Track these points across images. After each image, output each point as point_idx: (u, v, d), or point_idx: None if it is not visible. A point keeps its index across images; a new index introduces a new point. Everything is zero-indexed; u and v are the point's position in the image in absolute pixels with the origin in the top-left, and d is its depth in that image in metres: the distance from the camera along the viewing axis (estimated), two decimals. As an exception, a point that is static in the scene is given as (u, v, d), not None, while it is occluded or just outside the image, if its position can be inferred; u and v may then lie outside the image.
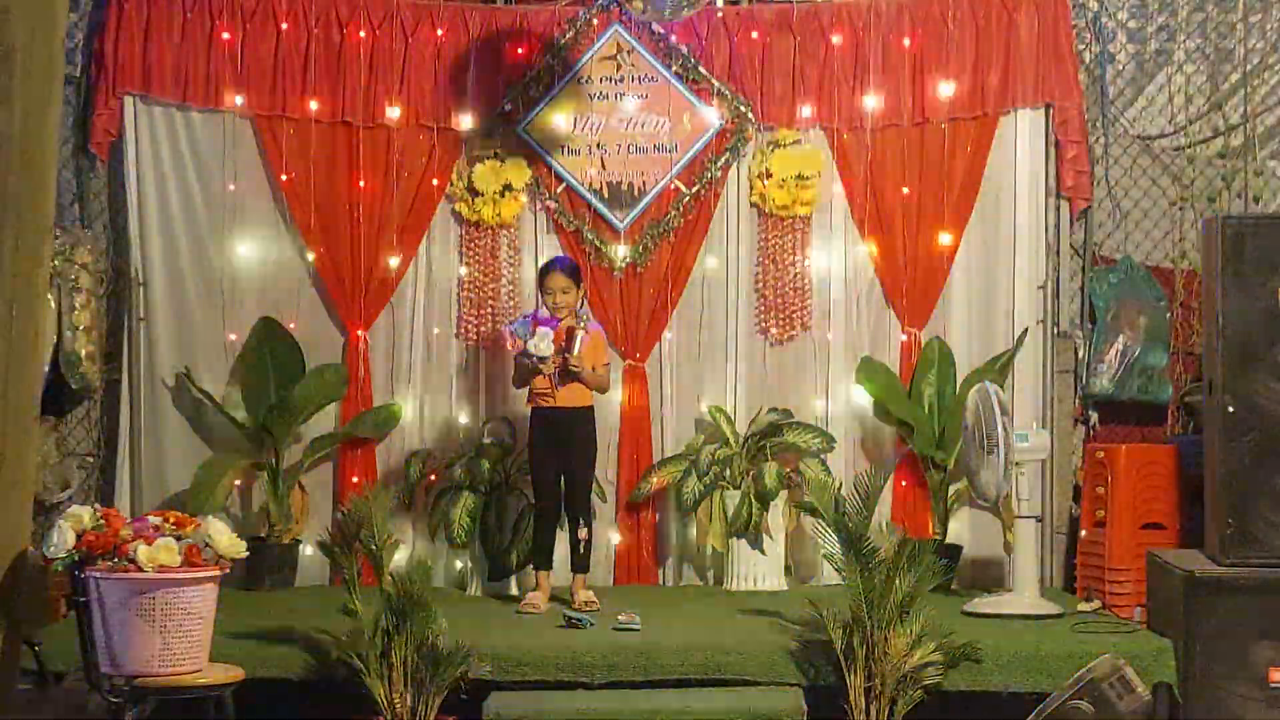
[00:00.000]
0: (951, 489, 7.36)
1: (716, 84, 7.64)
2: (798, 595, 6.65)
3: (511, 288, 7.68)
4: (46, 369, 6.80)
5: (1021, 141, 7.56)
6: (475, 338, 7.66)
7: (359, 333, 7.59)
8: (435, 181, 7.64)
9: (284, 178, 7.56)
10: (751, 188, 7.67)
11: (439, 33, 7.63)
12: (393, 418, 7.58)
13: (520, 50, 7.64)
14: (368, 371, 7.60)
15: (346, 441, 7.56)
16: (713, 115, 7.65)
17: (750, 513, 7.16)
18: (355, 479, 7.37)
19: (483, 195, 7.59)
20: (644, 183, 7.66)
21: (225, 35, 7.48)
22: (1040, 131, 7.53)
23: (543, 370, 6.62)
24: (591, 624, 6.17)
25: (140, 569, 4.65)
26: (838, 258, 7.69)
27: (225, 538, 4.89)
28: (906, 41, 7.59)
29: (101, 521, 4.73)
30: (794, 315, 7.65)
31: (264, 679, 5.50)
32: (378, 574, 5.52)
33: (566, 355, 6.61)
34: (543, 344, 6.57)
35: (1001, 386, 6.89)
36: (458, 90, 7.63)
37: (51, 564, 4.70)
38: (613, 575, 7.57)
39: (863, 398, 7.61)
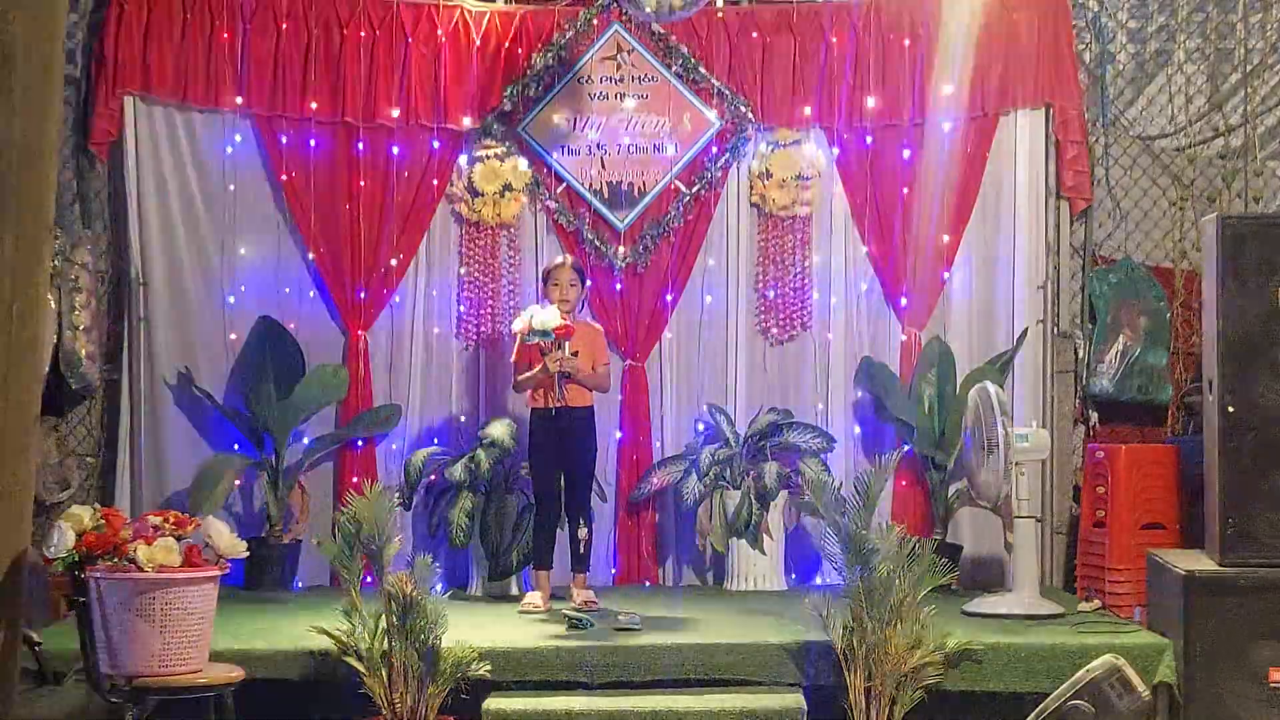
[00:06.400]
0: (951, 489, 7.36)
1: (716, 84, 7.64)
2: (798, 595, 6.65)
3: (511, 288, 7.68)
4: (46, 369, 6.80)
5: (1021, 142, 7.57)
6: (475, 338, 7.66)
7: (359, 333, 7.59)
8: (435, 181, 7.65)
9: (284, 178, 7.57)
10: (751, 188, 7.68)
11: (439, 33, 7.63)
12: (393, 418, 7.58)
13: (520, 50, 7.65)
14: (368, 371, 7.60)
15: (346, 441, 7.56)
16: (713, 115, 7.65)
17: (750, 513, 7.17)
18: (355, 479, 7.37)
19: (483, 195, 7.59)
20: (644, 183, 7.67)
21: (225, 35, 7.48)
22: (1040, 132, 7.54)
23: (544, 369, 6.61)
24: (591, 624, 6.16)
25: (140, 569, 4.65)
26: (838, 258, 7.70)
27: (225, 538, 4.89)
28: (906, 42, 7.59)
29: (101, 521, 4.73)
30: (794, 315, 7.65)
31: (264, 679, 5.50)
32: (378, 574, 5.52)
33: (562, 359, 6.60)
34: (549, 318, 6.55)
35: (1001, 386, 6.89)
36: (458, 90, 7.63)
37: (51, 564, 4.70)
38: (613, 575, 7.58)
39: (863, 398, 7.61)
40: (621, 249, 7.65)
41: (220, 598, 4.92)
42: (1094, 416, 7.51)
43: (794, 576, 7.45)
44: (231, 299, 7.56)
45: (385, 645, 5.41)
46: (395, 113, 7.59)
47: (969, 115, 7.56)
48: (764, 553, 7.26)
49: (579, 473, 6.81)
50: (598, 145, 7.69)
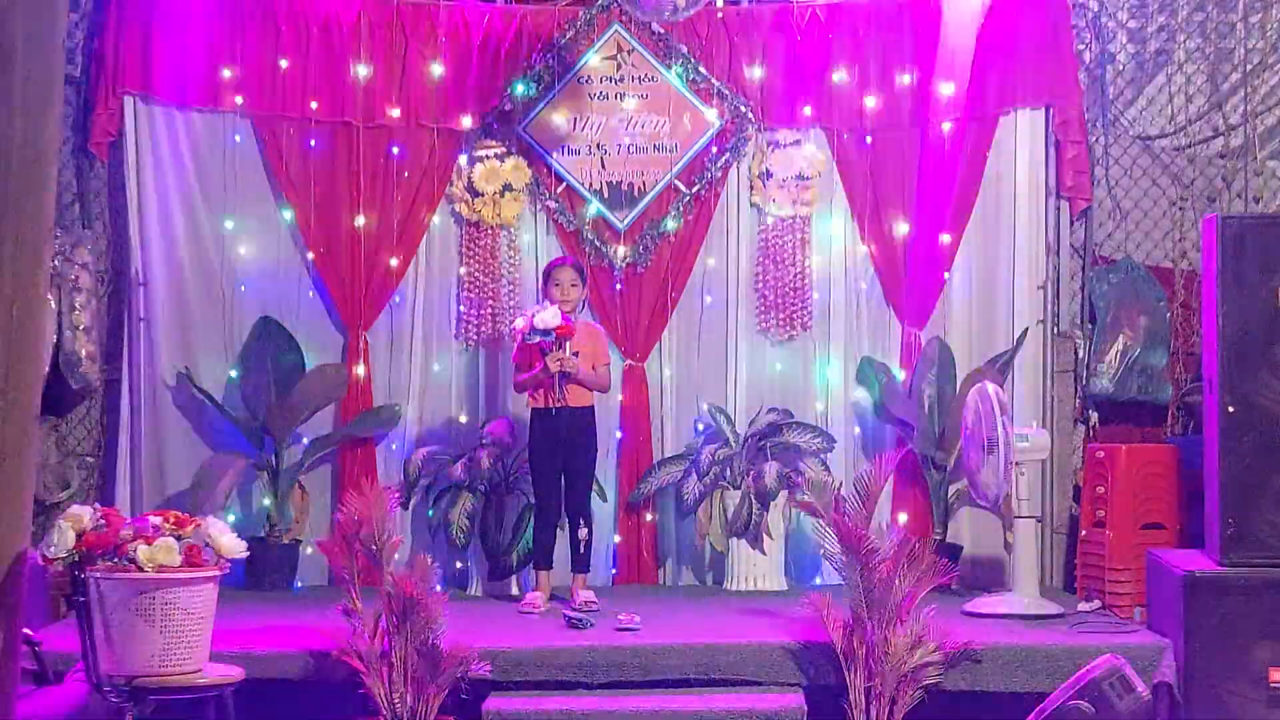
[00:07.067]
0: (951, 489, 7.36)
1: (716, 84, 7.64)
2: (798, 595, 6.65)
3: (511, 288, 7.68)
4: (46, 369, 6.80)
5: (1021, 142, 7.55)
6: (475, 338, 7.66)
7: (359, 333, 7.59)
8: (435, 181, 7.64)
9: (284, 178, 7.56)
10: (751, 188, 7.68)
11: (439, 33, 7.63)
12: (393, 418, 7.58)
13: (520, 50, 7.65)
14: (368, 371, 7.60)
15: (346, 441, 7.56)
16: (713, 115, 7.65)
17: (750, 513, 7.17)
18: (355, 479, 7.36)
19: (483, 195, 7.59)
20: (644, 183, 7.67)
21: (225, 35, 7.48)
22: (1040, 132, 7.53)
23: (545, 369, 6.61)
24: (591, 624, 6.17)
25: (140, 569, 4.65)
26: (838, 258, 7.70)
27: (225, 538, 4.89)
28: (907, 42, 7.59)
29: (101, 521, 4.73)
30: (794, 315, 7.65)
31: (264, 679, 5.50)
32: (378, 574, 5.51)
33: (563, 359, 6.60)
34: (550, 317, 6.55)
35: (1001, 386, 6.89)
36: (458, 90, 7.63)
37: (51, 564, 4.70)
38: (613, 575, 7.58)
39: (863, 398, 7.61)
40: (621, 249, 7.65)
41: (220, 598, 4.92)
42: (1094, 416, 7.50)
43: (794, 576, 7.45)
44: (231, 299, 7.56)
45: (385, 645, 5.41)
46: (395, 113, 7.60)
47: (969, 115, 7.56)
48: (764, 553, 7.26)
49: (579, 473, 6.82)
50: (598, 145, 7.69)
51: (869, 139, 7.63)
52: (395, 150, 7.62)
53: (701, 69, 7.65)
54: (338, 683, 5.55)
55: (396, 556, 5.66)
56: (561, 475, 6.80)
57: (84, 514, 4.73)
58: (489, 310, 7.64)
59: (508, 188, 7.60)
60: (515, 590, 7.21)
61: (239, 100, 7.53)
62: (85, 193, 7.48)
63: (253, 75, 7.53)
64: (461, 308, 7.68)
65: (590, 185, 7.67)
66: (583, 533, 6.78)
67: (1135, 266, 7.52)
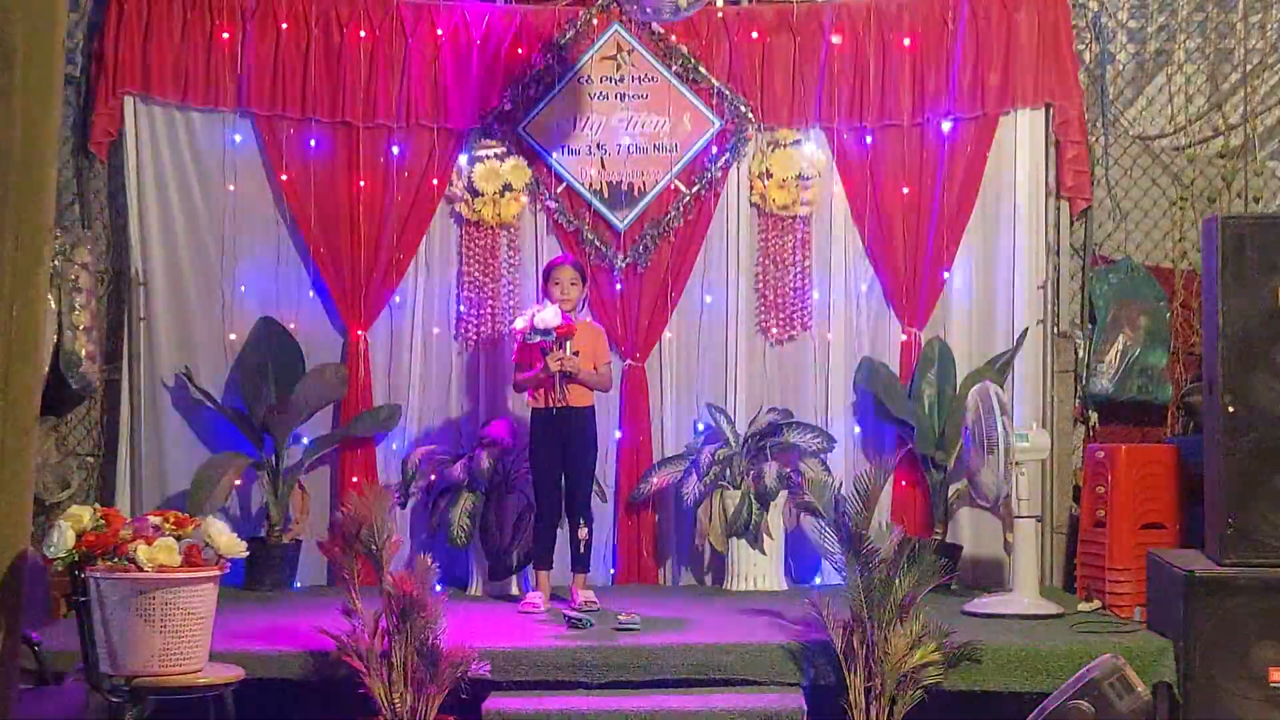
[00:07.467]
0: (951, 489, 7.36)
1: (716, 84, 7.64)
2: (798, 595, 6.65)
3: (511, 288, 7.68)
4: (46, 369, 6.80)
5: (1021, 141, 7.56)
6: (475, 338, 7.66)
7: (359, 333, 7.59)
8: (435, 181, 7.64)
9: (284, 178, 7.57)
10: (751, 188, 7.68)
11: (439, 33, 7.64)
12: (393, 418, 7.58)
13: (520, 50, 7.65)
14: (368, 371, 7.60)
15: (346, 441, 7.56)
16: (713, 115, 7.65)
17: (750, 513, 7.17)
18: (355, 479, 7.37)
19: (483, 195, 7.59)
20: (644, 183, 7.67)
21: (225, 35, 7.48)
22: (1040, 131, 7.53)
23: (545, 368, 6.61)
24: (591, 624, 6.17)
25: (140, 569, 4.65)
26: (838, 258, 7.70)
27: (225, 538, 4.89)
28: (906, 41, 7.59)
29: (101, 521, 4.73)
30: (794, 315, 7.65)
31: (264, 679, 5.50)
32: (378, 574, 5.52)
33: (563, 359, 6.60)
34: (550, 316, 6.56)
35: (1001, 386, 6.89)
36: (458, 90, 7.64)
37: (51, 564, 4.70)
38: (613, 575, 7.58)
39: (863, 398, 7.61)
40: (621, 249, 7.65)
41: (220, 598, 4.91)
42: (1094, 416, 7.51)
43: (794, 576, 7.45)
44: (231, 299, 7.56)
45: (385, 645, 5.41)
46: (395, 113, 7.59)
47: (969, 115, 7.56)
48: (764, 553, 7.26)
49: (579, 473, 6.81)
50: (598, 145, 7.69)
51: (869, 139, 7.63)
52: (395, 150, 7.62)
53: (701, 69, 7.65)
54: (338, 683, 5.56)
55: (396, 556, 5.66)
56: (561, 475, 6.79)
57: (84, 514, 4.73)
58: (489, 310, 7.64)
59: (508, 188, 7.60)
60: (515, 590, 7.21)
61: (239, 100, 7.53)
62: (85, 193, 7.48)
63: (253, 75, 7.53)
64: (461, 308, 7.68)
65: (590, 185, 7.67)
66: (583, 533, 6.78)
67: (1135, 266, 7.53)
